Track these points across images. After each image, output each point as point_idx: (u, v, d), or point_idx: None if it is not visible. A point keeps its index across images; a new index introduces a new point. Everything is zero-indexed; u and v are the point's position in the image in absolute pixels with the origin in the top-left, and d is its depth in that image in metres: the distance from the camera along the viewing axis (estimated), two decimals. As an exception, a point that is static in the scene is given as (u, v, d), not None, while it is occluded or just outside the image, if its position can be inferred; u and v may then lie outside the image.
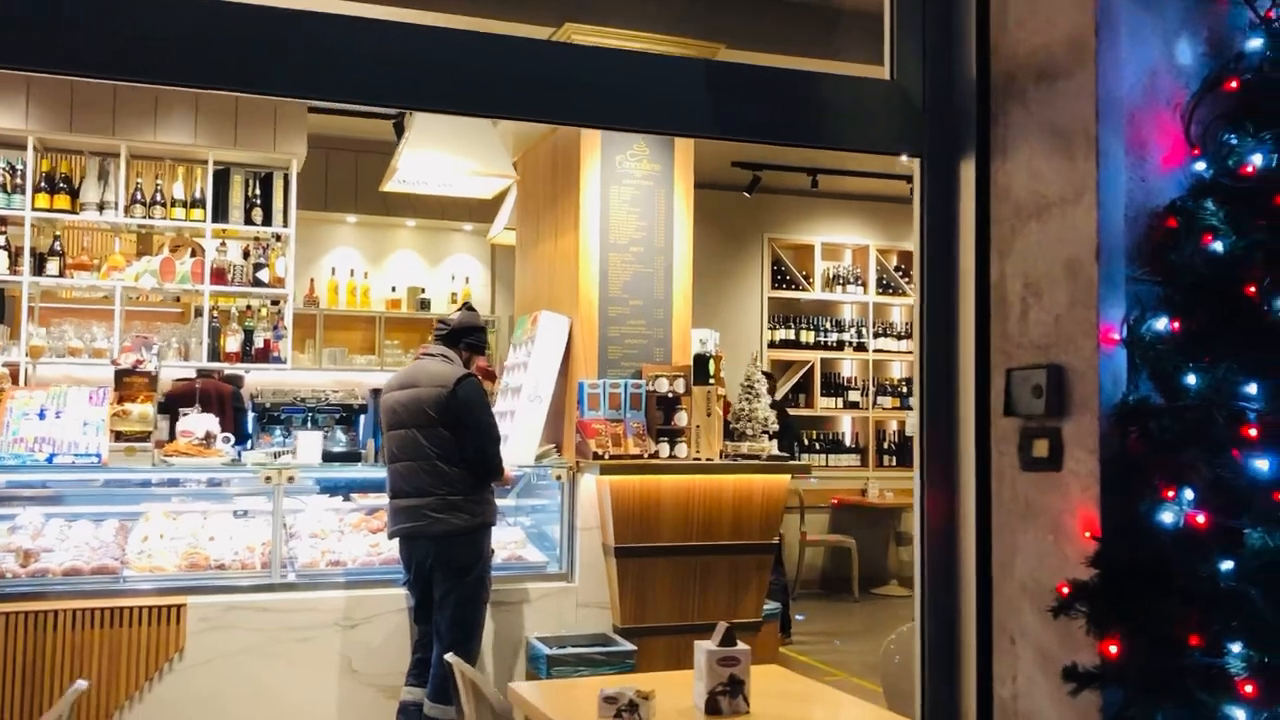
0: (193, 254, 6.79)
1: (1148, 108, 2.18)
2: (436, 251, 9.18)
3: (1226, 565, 1.89)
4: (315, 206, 8.44)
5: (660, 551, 5.19)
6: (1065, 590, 2.04)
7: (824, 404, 9.99)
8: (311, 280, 8.68)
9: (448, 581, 4.52)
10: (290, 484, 4.96)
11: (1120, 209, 2.14)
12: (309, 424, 8.18)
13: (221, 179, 6.79)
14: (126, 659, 4.51)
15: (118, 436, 4.76)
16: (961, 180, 2.48)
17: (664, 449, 5.30)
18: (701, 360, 5.40)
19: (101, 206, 6.54)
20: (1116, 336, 2.11)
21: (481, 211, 8.14)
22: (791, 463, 5.59)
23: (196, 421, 5.03)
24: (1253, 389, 1.95)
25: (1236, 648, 1.85)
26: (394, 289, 8.90)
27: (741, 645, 2.78)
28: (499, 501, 5.88)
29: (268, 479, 4.89)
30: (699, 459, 5.31)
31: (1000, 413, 2.35)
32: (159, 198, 6.65)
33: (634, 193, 5.47)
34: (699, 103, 2.33)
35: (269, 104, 6.73)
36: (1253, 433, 1.92)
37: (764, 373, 8.50)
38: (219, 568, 4.81)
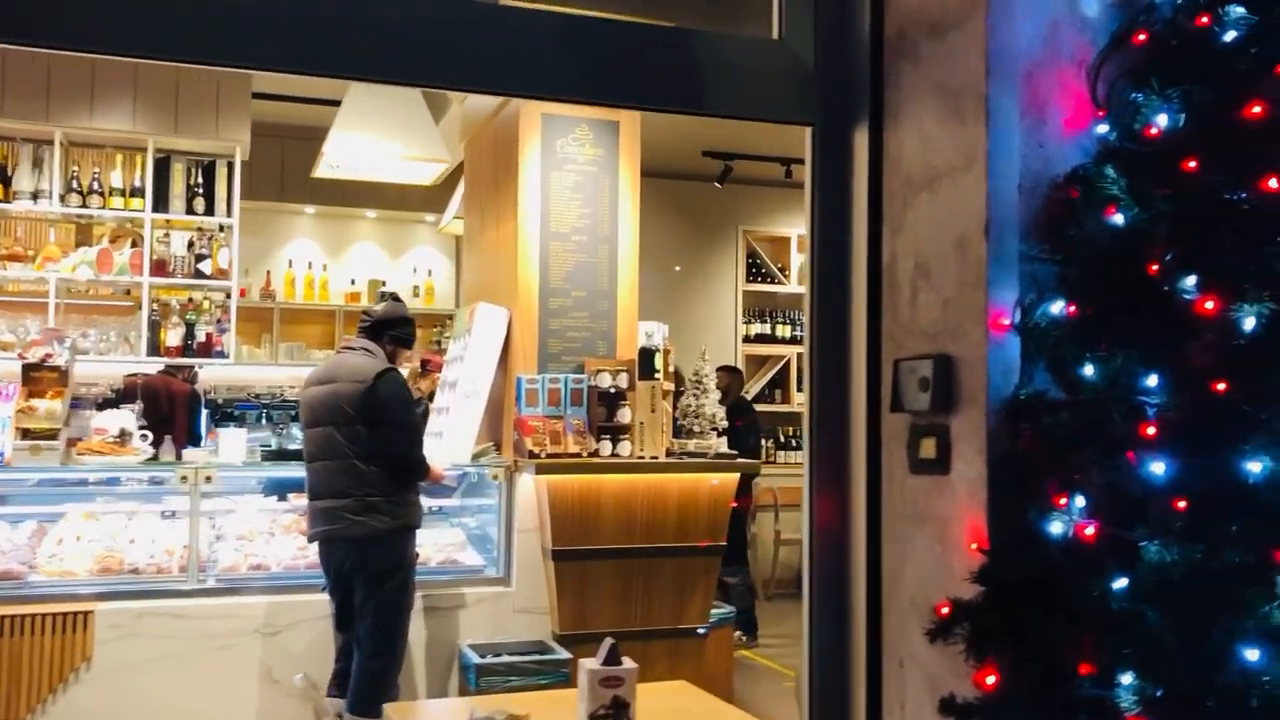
0: (133, 245, 6.56)
1: (1048, 64, 1.93)
2: (398, 244, 8.94)
3: (1120, 583, 1.65)
4: (271, 197, 8.21)
5: (601, 554, 4.95)
6: (945, 610, 1.79)
7: (800, 400, 9.74)
8: (268, 273, 8.45)
9: (367, 587, 4.29)
10: (208, 484, 4.72)
11: (1014, 178, 1.89)
12: (263, 420, 7.98)
13: (162, 167, 6.55)
14: (28, 669, 4.28)
15: (25, 434, 4.53)
16: (855, 150, 2.24)
17: (606, 447, 5.05)
18: (647, 354, 5.15)
19: (36, 195, 6.31)
20: (1007, 322, 1.87)
21: (443, 202, 7.90)
22: (740, 460, 5.33)
23: (111, 418, 4.80)
24: (1153, 381, 1.70)
25: (1127, 679, 1.61)
26: (353, 282, 8.67)
27: (628, 664, 2.54)
28: (445, 502, 5.68)
29: (184, 479, 4.66)
30: (643, 457, 5.07)
31: (889, 408, 2.11)
32: (96, 186, 6.42)
33: (577, 179, 5.22)
34: (558, 62, 2.09)
35: (210, 89, 6.49)
36: (1150, 431, 1.67)
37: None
38: (133, 572, 4.58)
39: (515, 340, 5.16)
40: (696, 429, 5.26)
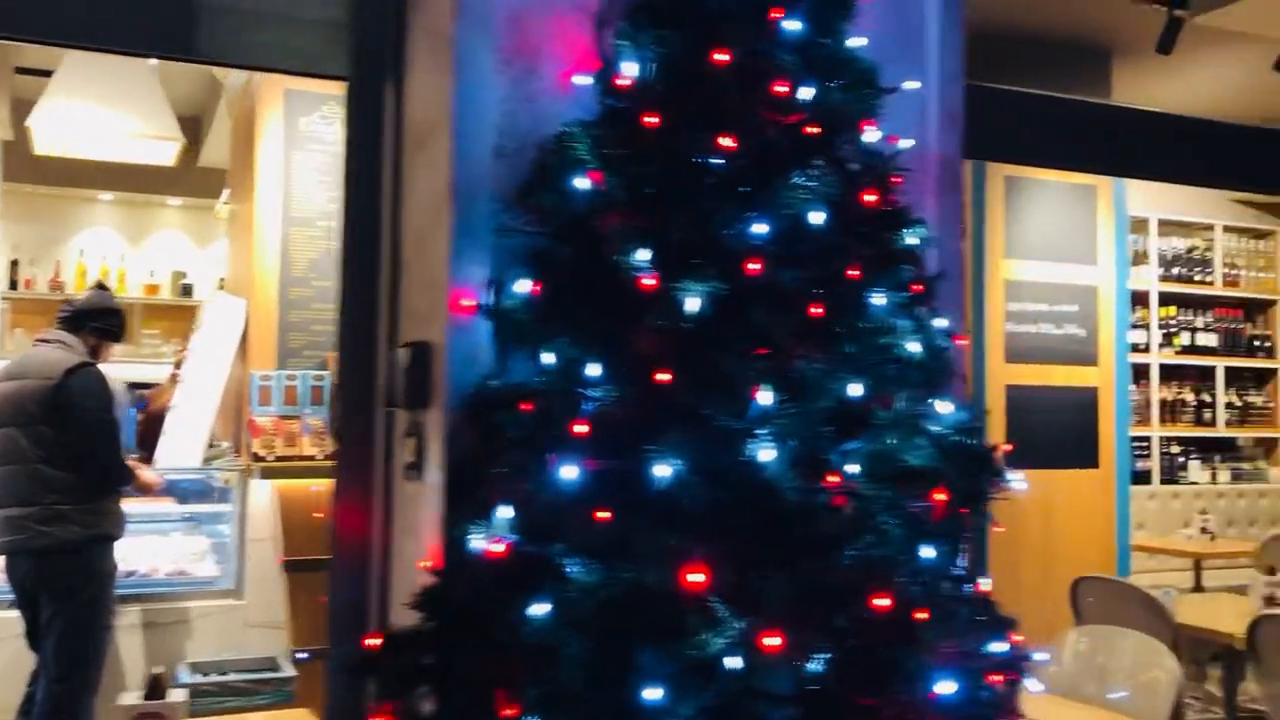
0: None
1: (541, 7, 1.67)
2: (206, 232, 8.42)
3: (539, 610, 1.39)
4: (60, 182, 7.66)
5: (340, 563, 4.61)
6: (376, 642, 1.52)
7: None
8: (57, 263, 7.90)
9: (54, 604, 3.88)
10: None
11: (489, 137, 1.63)
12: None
13: (-97, 146, 6.02)
14: None
15: None
16: (386, 109, 1.96)
17: (350, 448, 4.72)
18: (402, 349, 4.83)
19: None
20: (471, 303, 1.60)
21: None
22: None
23: None
24: (596, 370, 1.45)
25: (531, 726, 1.35)
26: (153, 273, 8.14)
27: (173, 697, 2.23)
28: (197, 508, 5.27)
29: None
30: (392, 459, 4.74)
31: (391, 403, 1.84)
32: None
33: (324, 159, 4.87)
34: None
35: (-41, 62, 5.97)
36: (581, 429, 1.42)
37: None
38: None
39: (252, 334, 4.80)
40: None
